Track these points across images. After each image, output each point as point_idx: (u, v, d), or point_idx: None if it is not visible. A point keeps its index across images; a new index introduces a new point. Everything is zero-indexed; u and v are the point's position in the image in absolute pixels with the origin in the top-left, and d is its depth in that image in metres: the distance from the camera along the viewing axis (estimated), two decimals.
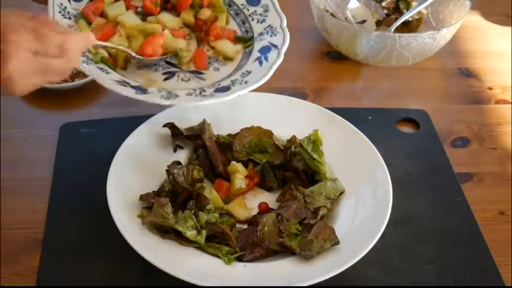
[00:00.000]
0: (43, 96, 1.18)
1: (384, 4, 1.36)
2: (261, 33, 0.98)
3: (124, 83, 0.89)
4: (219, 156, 1.00)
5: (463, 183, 1.06)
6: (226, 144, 1.02)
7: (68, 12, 0.94)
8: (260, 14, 1.00)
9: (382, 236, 0.88)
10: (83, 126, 1.10)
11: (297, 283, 0.84)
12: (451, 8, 1.32)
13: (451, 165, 1.08)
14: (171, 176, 0.93)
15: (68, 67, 0.76)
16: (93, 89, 1.20)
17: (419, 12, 1.34)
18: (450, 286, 0.91)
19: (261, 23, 0.99)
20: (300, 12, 1.38)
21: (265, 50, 0.95)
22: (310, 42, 1.36)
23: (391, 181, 0.95)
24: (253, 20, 1.00)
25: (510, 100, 1.24)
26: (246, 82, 0.91)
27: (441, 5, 1.34)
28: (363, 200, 0.95)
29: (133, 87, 0.88)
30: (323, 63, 1.32)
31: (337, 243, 0.88)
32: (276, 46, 0.95)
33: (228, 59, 0.97)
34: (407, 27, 1.34)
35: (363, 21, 1.35)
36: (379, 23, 1.35)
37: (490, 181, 1.08)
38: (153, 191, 0.93)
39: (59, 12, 0.92)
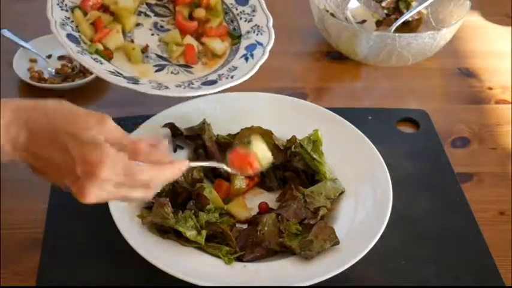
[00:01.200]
0: (43, 96, 1.17)
1: (384, 4, 1.36)
2: (248, 32, 1.02)
3: (117, 73, 0.93)
4: (219, 156, 1.00)
5: (463, 183, 1.06)
6: (226, 144, 1.02)
7: (66, 5, 0.98)
8: (248, 14, 1.04)
9: (382, 236, 0.88)
10: None
11: (297, 283, 0.84)
12: (451, 8, 1.32)
13: (451, 165, 1.08)
14: None
15: (145, 198, 0.74)
16: (93, 89, 1.20)
17: (419, 12, 1.34)
18: (450, 286, 0.91)
19: (249, 22, 1.03)
20: (300, 12, 1.39)
21: (251, 48, 0.99)
22: (310, 42, 1.36)
23: (391, 181, 0.95)
24: (241, 19, 1.04)
25: (510, 100, 1.24)
26: (232, 77, 0.95)
27: (441, 5, 1.34)
28: (363, 200, 0.95)
29: (125, 77, 0.93)
30: (323, 63, 1.32)
31: (337, 243, 0.88)
32: (261, 44, 0.99)
33: (216, 56, 1.01)
34: (407, 27, 1.34)
35: (363, 21, 1.35)
36: (379, 23, 1.35)
37: (490, 181, 1.08)
38: None
39: (57, 4, 0.96)
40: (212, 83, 0.95)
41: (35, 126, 0.70)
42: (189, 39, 1.02)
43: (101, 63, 0.93)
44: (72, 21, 0.97)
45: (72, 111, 0.72)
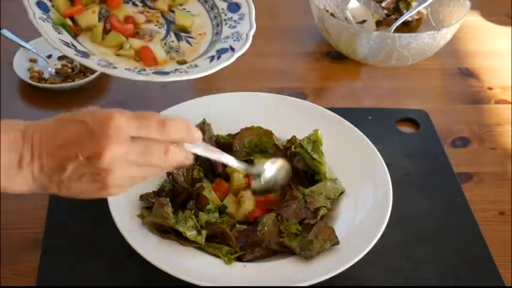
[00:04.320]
0: (43, 96, 1.18)
1: (384, 4, 1.36)
2: (227, 37, 0.99)
3: (71, 45, 0.91)
4: None
5: (463, 183, 1.06)
6: (226, 144, 1.02)
7: None
8: (234, 21, 1.01)
9: (382, 236, 0.88)
10: None
11: (297, 283, 0.84)
12: (451, 8, 1.32)
13: (451, 165, 1.08)
14: (171, 176, 0.93)
15: (159, 173, 0.76)
16: (93, 89, 1.20)
17: (419, 12, 1.34)
18: (450, 286, 0.91)
19: (232, 28, 1.00)
20: (300, 12, 1.39)
21: (222, 51, 0.96)
22: (310, 42, 1.36)
23: (391, 181, 0.95)
24: (226, 24, 1.01)
25: (510, 100, 1.24)
26: (186, 72, 0.93)
27: (441, 5, 1.34)
28: (363, 200, 0.95)
29: (77, 50, 0.91)
30: (323, 63, 1.32)
31: (337, 243, 0.88)
32: (233, 49, 0.96)
33: (186, 30, 1.01)
34: (407, 27, 1.34)
35: (363, 21, 1.35)
36: (379, 23, 1.35)
37: (490, 181, 1.08)
38: (153, 191, 0.93)
39: None
40: (164, 73, 0.92)
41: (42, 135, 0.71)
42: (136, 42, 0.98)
43: (60, 33, 0.92)
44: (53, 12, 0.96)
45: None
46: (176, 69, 0.93)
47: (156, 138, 0.71)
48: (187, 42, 1.01)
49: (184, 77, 0.91)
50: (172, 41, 1.01)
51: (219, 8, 1.04)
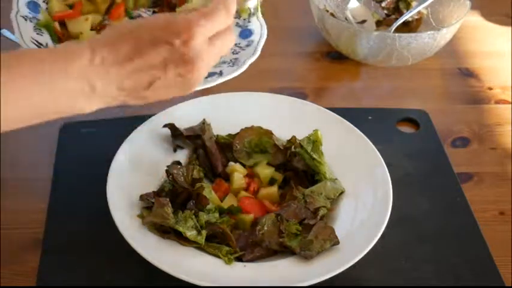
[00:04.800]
0: None
1: (384, 4, 1.36)
2: (224, 62, 0.94)
3: (44, 47, 0.88)
4: (218, 156, 1.00)
5: (463, 183, 1.06)
6: (226, 144, 1.02)
7: None
8: (240, 47, 0.96)
9: (382, 236, 0.88)
10: (83, 126, 1.10)
11: (297, 283, 0.84)
12: (451, 8, 1.32)
13: (451, 165, 1.08)
14: (171, 176, 0.93)
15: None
16: None
17: (419, 12, 1.34)
18: (450, 286, 0.91)
19: (234, 54, 0.95)
20: (300, 12, 1.39)
21: (208, 75, 0.89)
22: (310, 42, 1.36)
23: (391, 181, 0.95)
24: (231, 50, 0.95)
25: (510, 100, 1.24)
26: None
27: (441, 5, 1.34)
28: (363, 200, 0.95)
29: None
30: (323, 63, 1.32)
31: (337, 243, 0.88)
32: (221, 74, 0.90)
33: None
34: (407, 27, 1.34)
35: (363, 21, 1.35)
36: (379, 23, 1.35)
37: (490, 181, 1.08)
38: (153, 191, 0.93)
39: None
40: None
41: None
42: None
43: (39, 34, 0.90)
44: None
45: None
46: None
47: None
48: None
49: None
50: None
51: None
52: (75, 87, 0.67)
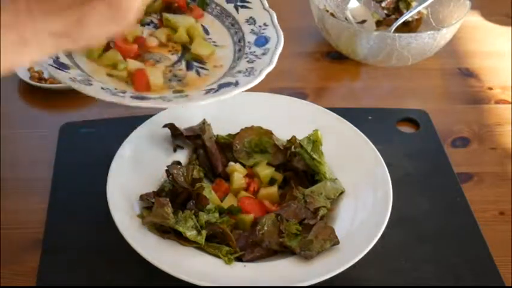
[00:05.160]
0: (43, 96, 1.18)
1: (384, 4, 1.36)
2: (239, 71, 0.89)
3: (54, 57, 0.85)
4: (218, 156, 1.00)
5: (463, 183, 1.06)
6: (226, 144, 1.02)
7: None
8: (256, 55, 0.91)
9: (382, 236, 0.88)
10: (83, 126, 1.10)
11: (297, 283, 0.84)
12: (451, 8, 1.32)
13: (451, 165, 1.08)
14: (171, 176, 0.93)
15: None
16: None
17: (419, 12, 1.34)
18: (450, 286, 0.91)
19: (250, 63, 0.90)
20: (300, 12, 1.39)
21: (224, 85, 0.86)
22: (310, 42, 1.36)
23: (391, 181, 0.95)
24: (246, 58, 0.92)
25: (510, 100, 1.24)
26: (169, 101, 0.84)
27: (441, 5, 1.34)
28: (363, 200, 0.95)
29: (56, 61, 0.85)
30: (323, 63, 1.32)
31: (337, 243, 0.88)
32: (237, 85, 0.85)
33: (201, 60, 0.92)
34: (407, 27, 1.34)
35: (363, 21, 1.35)
36: (379, 23, 1.35)
37: (490, 181, 1.08)
38: (153, 191, 0.93)
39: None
40: (143, 98, 0.83)
41: None
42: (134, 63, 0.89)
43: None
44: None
45: None
46: (161, 97, 0.84)
47: None
48: (197, 72, 0.90)
49: (165, 105, 0.83)
50: (180, 69, 0.90)
51: (246, 40, 0.94)
52: (6, 40, 0.64)
